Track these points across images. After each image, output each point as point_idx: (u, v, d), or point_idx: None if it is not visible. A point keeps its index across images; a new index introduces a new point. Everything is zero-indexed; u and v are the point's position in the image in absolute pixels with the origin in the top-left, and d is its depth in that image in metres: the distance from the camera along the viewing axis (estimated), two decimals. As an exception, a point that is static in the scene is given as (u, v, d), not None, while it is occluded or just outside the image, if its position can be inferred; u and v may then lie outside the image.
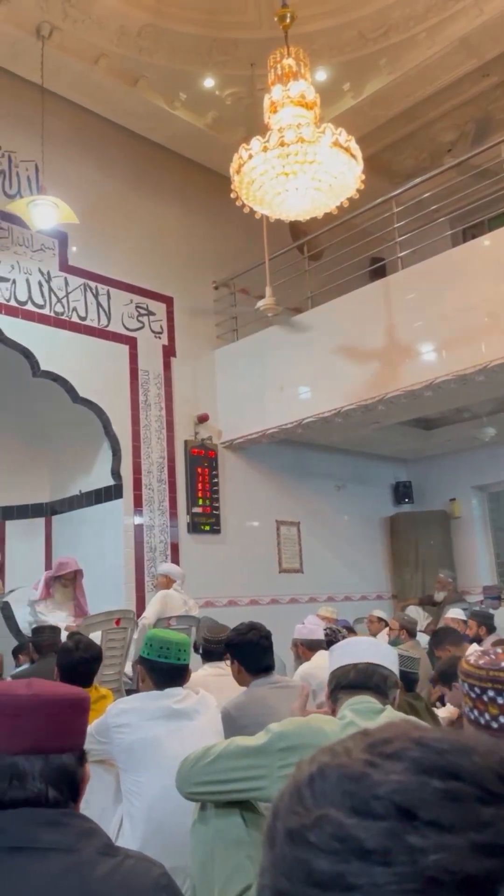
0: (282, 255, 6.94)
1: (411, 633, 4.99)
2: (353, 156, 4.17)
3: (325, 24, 6.12)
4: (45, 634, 4.14)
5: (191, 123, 7.05)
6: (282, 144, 4.04)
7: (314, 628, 4.11)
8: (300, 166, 4.08)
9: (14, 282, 5.99)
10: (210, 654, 3.32)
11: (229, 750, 1.69)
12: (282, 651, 3.81)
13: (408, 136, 7.84)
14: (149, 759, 2.10)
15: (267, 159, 4.09)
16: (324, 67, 6.51)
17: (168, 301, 7.18)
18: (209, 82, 6.67)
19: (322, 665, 2.73)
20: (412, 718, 1.79)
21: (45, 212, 5.36)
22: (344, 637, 3.78)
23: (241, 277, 7.42)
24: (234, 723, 2.40)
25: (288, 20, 4.69)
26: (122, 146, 7.07)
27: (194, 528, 6.85)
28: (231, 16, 6.05)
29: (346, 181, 4.25)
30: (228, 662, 2.80)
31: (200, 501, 6.95)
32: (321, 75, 6.48)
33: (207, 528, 6.96)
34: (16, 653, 5.48)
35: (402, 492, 9.26)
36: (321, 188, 4.20)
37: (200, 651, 3.44)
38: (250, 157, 4.17)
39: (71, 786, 0.98)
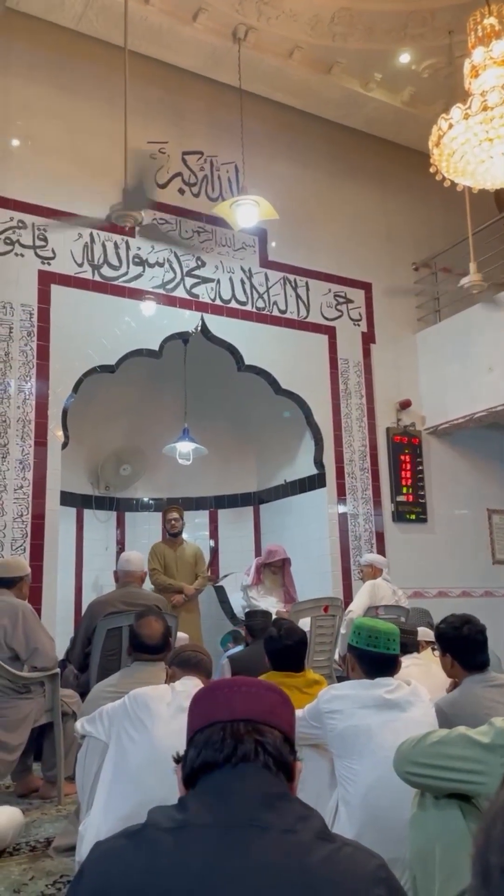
0: (487, 227, 6.55)
1: None
2: None
3: (531, -28, 5.66)
4: (257, 619, 4.29)
5: (387, 103, 6.90)
6: (485, 109, 3.80)
7: (534, 624, 3.84)
8: (506, 130, 3.80)
9: (218, 281, 6.26)
10: (403, 645, 3.22)
11: (452, 737, 1.63)
12: (497, 647, 3.61)
13: None
14: (362, 747, 2.09)
15: (469, 127, 3.87)
16: (530, 21, 6.02)
17: (366, 287, 7.09)
18: (405, 58, 6.46)
19: (545, 664, 2.54)
20: None
21: (248, 211, 5.53)
22: None
23: (443, 256, 7.14)
24: (447, 720, 2.31)
25: (489, -24, 4.40)
26: (319, 136, 7.09)
27: (399, 517, 6.73)
28: (426, -16, 5.81)
29: None
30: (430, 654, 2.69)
31: (405, 490, 6.80)
32: (527, 30, 6.00)
33: (413, 517, 6.80)
34: (223, 643, 5.71)
35: None
36: (531, 150, 3.89)
37: None
38: (450, 126, 3.97)
39: (284, 765, 1.01)
